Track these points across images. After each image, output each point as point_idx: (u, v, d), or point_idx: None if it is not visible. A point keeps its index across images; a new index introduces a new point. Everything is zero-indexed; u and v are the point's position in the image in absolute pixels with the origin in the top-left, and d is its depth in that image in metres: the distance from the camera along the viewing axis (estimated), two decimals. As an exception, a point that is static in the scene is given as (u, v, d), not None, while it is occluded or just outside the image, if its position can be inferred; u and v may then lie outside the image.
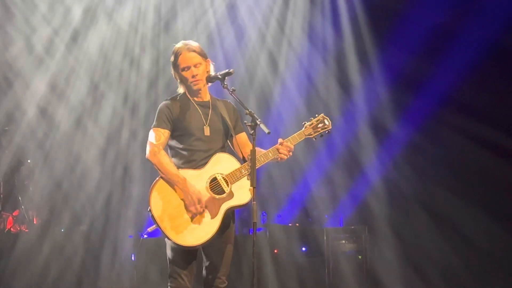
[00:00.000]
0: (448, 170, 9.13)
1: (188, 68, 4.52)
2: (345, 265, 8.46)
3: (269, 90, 9.87)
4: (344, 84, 9.84)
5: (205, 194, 4.40)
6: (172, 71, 4.63)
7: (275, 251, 8.47)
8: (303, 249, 8.83)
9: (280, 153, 4.50)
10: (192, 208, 4.34)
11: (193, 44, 4.58)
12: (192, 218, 4.36)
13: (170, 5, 9.56)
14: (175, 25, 9.60)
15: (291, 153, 4.55)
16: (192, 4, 9.63)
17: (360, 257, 8.55)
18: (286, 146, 4.51)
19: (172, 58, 4.59)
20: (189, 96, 4.62)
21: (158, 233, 7.32)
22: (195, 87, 4.56)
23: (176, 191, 4.39)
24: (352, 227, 8.94)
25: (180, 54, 4.53)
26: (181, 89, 4.65)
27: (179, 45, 4.60)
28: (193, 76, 4.51)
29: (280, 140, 4.55)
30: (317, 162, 9.76)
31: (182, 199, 4.37)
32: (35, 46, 9.22)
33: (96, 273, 7.91)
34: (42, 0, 9.16)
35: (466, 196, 8.91)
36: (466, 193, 8.91)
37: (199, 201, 4.35)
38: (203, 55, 4.57)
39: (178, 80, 4.62)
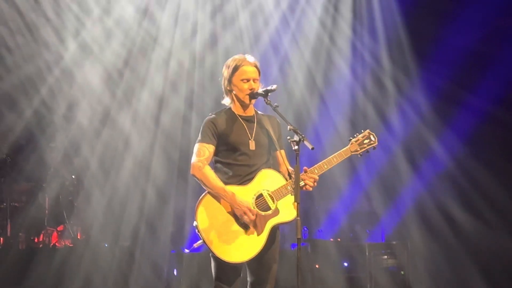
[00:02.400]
0: (491, 187, 8.97)
1: (248, 80, 4.53)
2: (387, 281, 8.38)
3: (307, 107, 9.86)
4: (384, 102, 9.79)
5: None
6: (226, 80, 4.61)
7: (317, 266, 8.44)
8: (345, 264, 8.78)
9: (305, 182, 4.43)
10: (245, 218, 4.33)
11: (254, 59, 4.62)
12: (238, 234, 4.36)
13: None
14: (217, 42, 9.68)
15: (316, 184, 4.49)
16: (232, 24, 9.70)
17: (402, 272, 8.46)
18: (310, 176, 4.46)
19: (231, 67, 4.57)
20: (234, 110, 4.64)
21: (200, 248, 7.35)
22: (247, 101, 4.57)
23: (223, 206, 4.39)
24: (394, 242, 8.86)
25: (242, 65, 4.54)
26: (227, 101, 4.66)
27: (240, 56, 4.62)
28: (250, 89, 4.53)
29: (304, 168, 4.48)
30: (358, 176, 9.71)
31: (229, 214, 4.38)
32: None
33: (138, 288, 7.98)
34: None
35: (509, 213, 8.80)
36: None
37: (250, 210, 4.34)
38: (259, 72, 4.61)
39: (231, 90, 4.60)
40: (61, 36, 9.18)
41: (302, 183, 4.43)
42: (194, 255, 7.80)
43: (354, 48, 9.83)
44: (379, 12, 9.66)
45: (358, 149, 4.65)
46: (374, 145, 4.68)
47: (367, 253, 8.48)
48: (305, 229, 9.12)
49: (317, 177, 4.49)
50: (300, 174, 4.40)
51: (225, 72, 4.63)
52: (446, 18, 9.05)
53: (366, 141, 4.67)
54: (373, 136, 4.69)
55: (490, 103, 9.00)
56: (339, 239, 9.41)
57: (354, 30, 9.78)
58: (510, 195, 8.87)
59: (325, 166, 4.55)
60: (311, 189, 4.48)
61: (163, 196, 9.20)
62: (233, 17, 9.69)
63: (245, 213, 4.33)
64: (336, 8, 9.77)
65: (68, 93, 9.32)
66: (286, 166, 4.55)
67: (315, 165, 4.53)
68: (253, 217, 4.35)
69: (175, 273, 8.23)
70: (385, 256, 8.58)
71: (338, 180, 9.47)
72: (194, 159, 4.50)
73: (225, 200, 4.38)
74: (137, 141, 9.38)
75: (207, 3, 9.60)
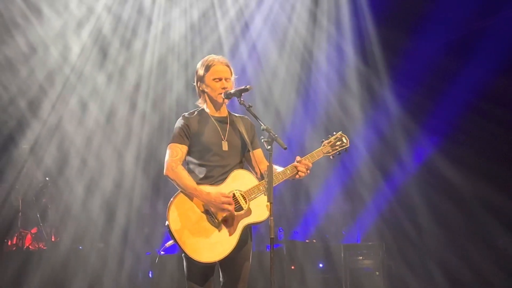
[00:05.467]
0: (466, 187, 9.08)
1: (220, 79, 4.56)
2: (362, 281, 8.41)
3: (285, 108, 9.88)
4: (363, 97, 9.86)
5: None
6: (198, 81, 4.64)
7: (292, 267, 8.45)
8: (320, 265, 8.80)
9: (298, 170, 4.51)
10: (225, 212, 4.33)
11: (225, 59, 4.65)
12: (211, 234, 4.35)
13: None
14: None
15: (309, 171, 4.55)
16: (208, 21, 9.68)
17: (377, 273, 8.50)
18: (305, 164, 4.51)
19: (202, 68, 4.61)
20: (207, 111, 4.65)
21: (175, 250, 7.33)
22: (220, 100, 4.59)
23: (196, 206, 4.39)
24: (370, 243, 8.90)
25: (213, 65, 4.58)
26: (201, 102, 4.67)
27: (210, 57, 4.65)
28: (223, 88, 4.55)
29: (297, 158, 4.54)
30: (335, 178, 9.75)
31: (202, 214, 4.37)
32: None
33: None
34: None
35: (482, 210, 8.90)
36: (483, 207, 8.89)
37: (228, 202, 4.33)
38: (231, 71, 4.64)
39: (204, 90, 4.62)
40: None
41: (289, 174, 4.48)
42: (168, 256, 7.76)
43: (329, 55, 9.87)
44: (350, 20, 9.72)
45: (330, 150, 4.67)
46: (346, 147, 4.71)
47: (342, 254, 8.50)
48: (281, 230, 9.13)
49: (311, 164, 4.53)
50: (290, 166, 4.50)
51: (198, 73, 4.65)
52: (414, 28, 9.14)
53: (338, 143, 4.69)
54: (345, 138, 4.72)
55: (460, 107, 9.11)
56: (314, 240, 9.43)
57: (330, 37, 9.81)
58: (481, 196, 8.96)
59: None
60: (304, 175, 4.51)
61: (137, 199, 9.15)
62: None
63: (223, 208, 4.33)
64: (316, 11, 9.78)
65: (43, 93, 9.22)
66: (263, 165, 4.54)
67: (288, 166, 4.54)
68: (231, 208, 4.33)
69: (150, 275, 8.18)
70: (360, 257, 8.60)
71: (314, 182, 9.50)
72: (167, 159, 4.49)
73: (198, 199, 4.37)
74: (111, 143, 9.33)
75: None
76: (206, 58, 4.66)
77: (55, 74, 9.21)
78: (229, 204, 4.34)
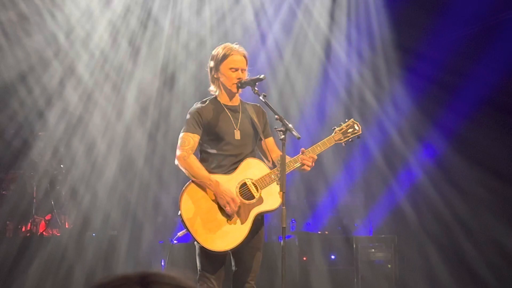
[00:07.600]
0: (481, 180, 9.00)
1: (236, 69, 4.53)
2: (374, 274, 8.40)
3: (299, 98, 9.84)
4: (376, 91, 9.80)
5: None
6: (213, 67, 4.60)
7: (304, 258, 8.46)
8: (332, 257, 8.80)
9: (303, 163, 4.46)
10: (228, 209, 4.35)
11: (243, 49, 4.62)
12: (222, 223, 4.38)
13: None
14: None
15: (313, 164, 4.51)
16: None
17: (389, 266, 8.48)
18: (310, 156, 4.48)
19: (220, 54, 4.56)
20: (220, 99, 4.64)
21: (188, 239, 7.35)
22: (235, 90, 4.57)
23: (208, 195, 4.41)
24: (382, 236, 8.88)
25: (231, 54, 4.54)
26: (214, 89, 4.65)
27: (229, 44, 4.62)
28: (238, 79, 4.53)
29: (302, 150, 4.50)
30: (347, 169, 9.72)
31: (213, 203, 4.39)
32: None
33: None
34: None
35: (500, 207, 8.83)
36: (500, 204, 8.82)
37: (233, 200, 4.36)
38: (247, 62, 4.62)
39: (218, 78, 4.59)
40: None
41: (298, 165, 4.46)
42: (181, 245, 7.79)
43: (342, 48, 9.81)
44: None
45: (342, 138, 4.64)
46: (358, 134, 4.68)
47: (354, 246, 8.49)
48: (293, 221, 9.13)
49: (316, 157, 4.50)
50: (298, 156, 4.46)
51: (213, 60, 4.63)
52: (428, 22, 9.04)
53: (350, 130, 4.66)
54: (357, 125, 4.69)
55: (476, 103, 9.01)
56: (326, 232, 9.43)
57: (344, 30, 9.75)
58: (496, 193, 8.89)
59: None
60: (309, 169, 4.47)
61: (149, 187, 9.18)
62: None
63: (228, 203, 4.34)
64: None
65: (57, 82, 9.23)
66: (275, 153, 4.55)
67: (294, 157, 4.52)
68: (235, 208, 4.36)
69: (162, 263, 8.22)
70: (373, 250, 8.59)
71: (327, 173, 9.47)
72: (178, 149, 4.51)
73: (209, 189, 4.38)
74: (123, 131, 9.33)
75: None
76: (223, 45, 4.63)
77: (74, 60, 9.20)
78: (234, 204, 4.34)
